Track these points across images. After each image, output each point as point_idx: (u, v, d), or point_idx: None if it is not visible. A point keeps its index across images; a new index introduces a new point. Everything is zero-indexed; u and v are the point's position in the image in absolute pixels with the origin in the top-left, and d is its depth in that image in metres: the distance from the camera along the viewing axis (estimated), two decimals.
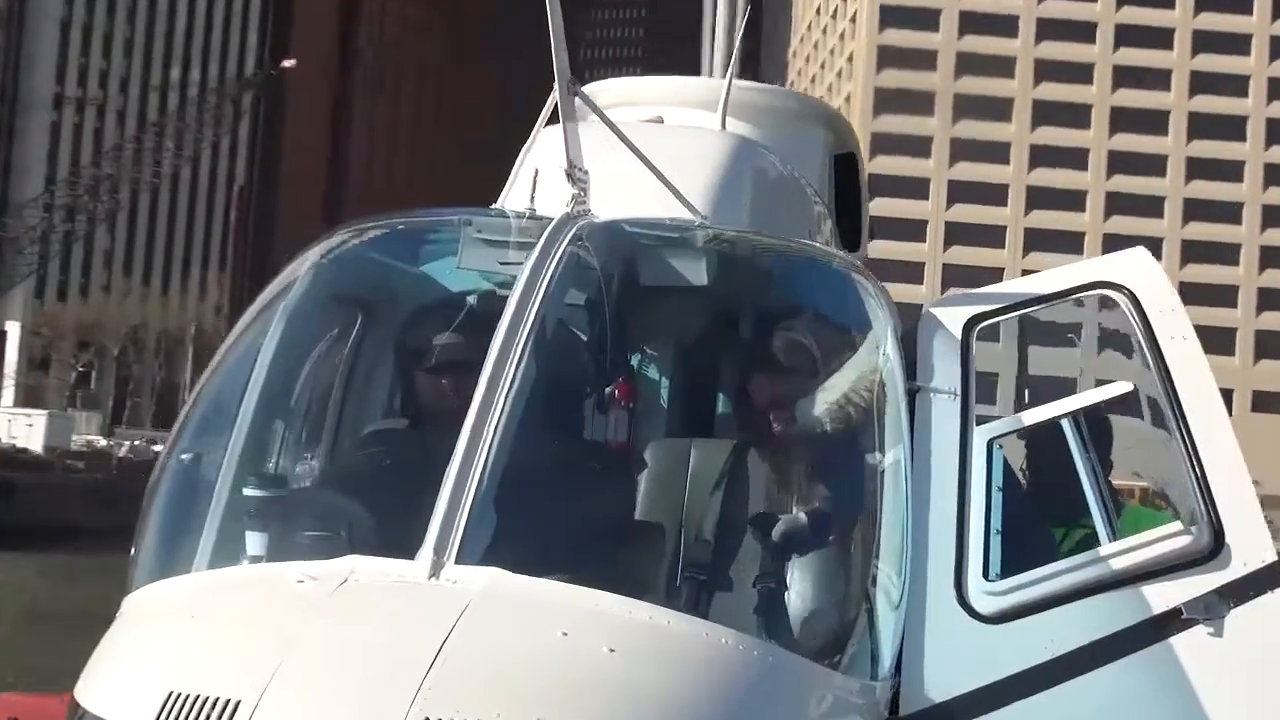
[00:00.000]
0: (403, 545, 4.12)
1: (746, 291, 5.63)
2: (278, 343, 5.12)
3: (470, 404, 4.22)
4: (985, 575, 4.93)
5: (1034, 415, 5.25)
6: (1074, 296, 5.42)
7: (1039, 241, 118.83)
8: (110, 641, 4.29)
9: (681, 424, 5.75)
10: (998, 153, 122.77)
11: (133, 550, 4.80)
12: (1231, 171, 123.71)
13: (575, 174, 4.83)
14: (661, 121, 7.09)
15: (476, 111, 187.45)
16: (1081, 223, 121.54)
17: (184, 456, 5.03)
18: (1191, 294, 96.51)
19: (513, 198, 5.94)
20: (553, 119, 5.51)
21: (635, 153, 5.30)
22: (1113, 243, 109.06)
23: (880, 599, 4.61)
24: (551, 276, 4.56)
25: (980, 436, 5.13)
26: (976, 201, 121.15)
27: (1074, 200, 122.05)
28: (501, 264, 5.14)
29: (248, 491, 4.86)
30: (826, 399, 5.16)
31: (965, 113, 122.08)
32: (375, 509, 4.67)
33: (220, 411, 5.05)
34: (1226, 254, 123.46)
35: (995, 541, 4.98)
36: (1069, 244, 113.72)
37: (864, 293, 5.19)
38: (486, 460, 4.11)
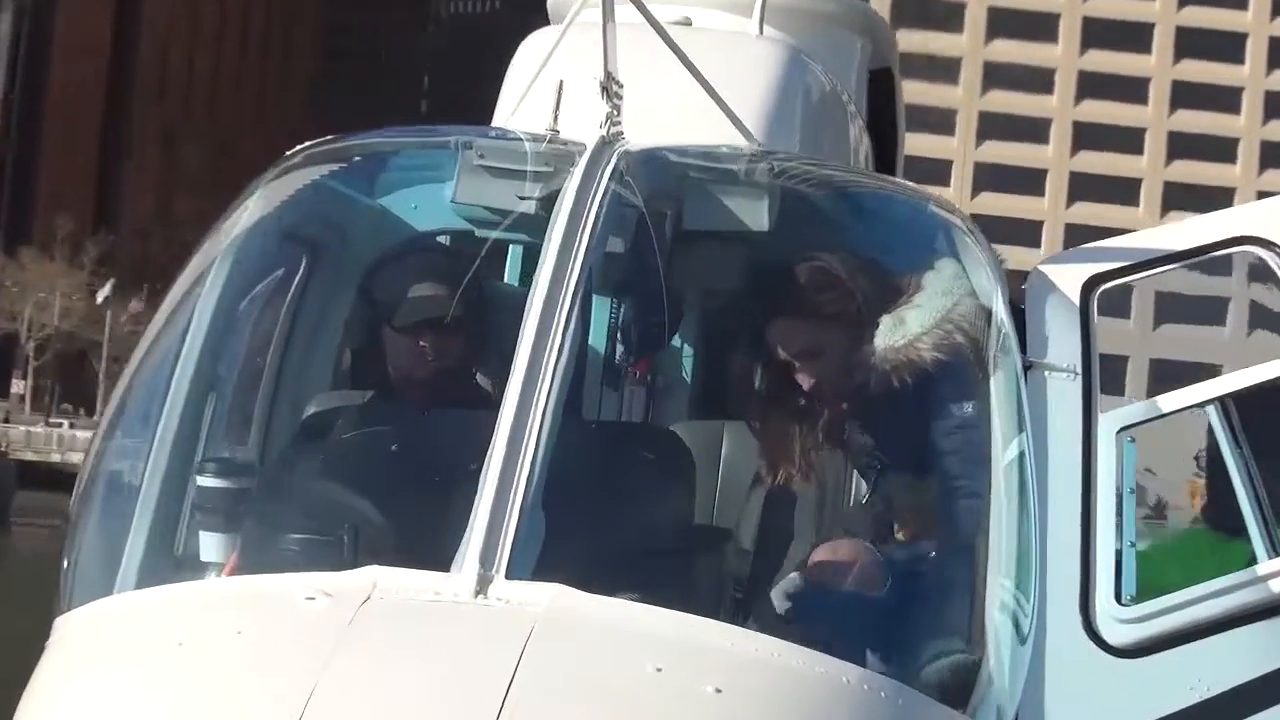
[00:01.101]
0: (428, 552, 3.77)
1: (819, 241, 5.18)
2: (218, 301, 4.71)
3: (509, 380, 3.87)
4: (1117, 598, 4.67)
5: (1174, 400, 4.92)
6: (1211, 254, 5.11)
7: (1083, 188, 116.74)
8: (56, 678, 3.87)
9: (742, 406, 5.25)
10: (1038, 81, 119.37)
11: (64, 560, 4.36)
12: None
13: (612, 88, 4.37)
14: (690, 24, 6.54)
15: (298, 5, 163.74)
16: (1139, 167, 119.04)
17: (126, 442, 4.63)
18: None
19: (514, 116, 5.50)
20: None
21: (684, 62, 4.86)
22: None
23: (1007, 627, 4.23)
24: (597, 219, 4.15)
25: (1107, 426, 4.82)
26: (1012, 138, 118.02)
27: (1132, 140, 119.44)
28: (520, 198, 4.69)
29: (204, 482, 4.50)
30: (929, 379, 4.71)
31: (1000, 31, 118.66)
32: (381, 504, 4.31)
33: (158, 391, 4.64)
34: None
35: (1129, 556, 4.71)
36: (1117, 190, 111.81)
37: (968, 246, 4.76)
38: (536, 449, 3.75)
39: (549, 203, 4.41)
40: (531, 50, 6.05)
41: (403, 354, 5.01)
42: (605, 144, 4.34)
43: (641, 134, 4.53)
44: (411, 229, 5.38)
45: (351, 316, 5.35)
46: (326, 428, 4.92)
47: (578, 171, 4.21)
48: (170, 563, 4.46)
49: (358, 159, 5.25)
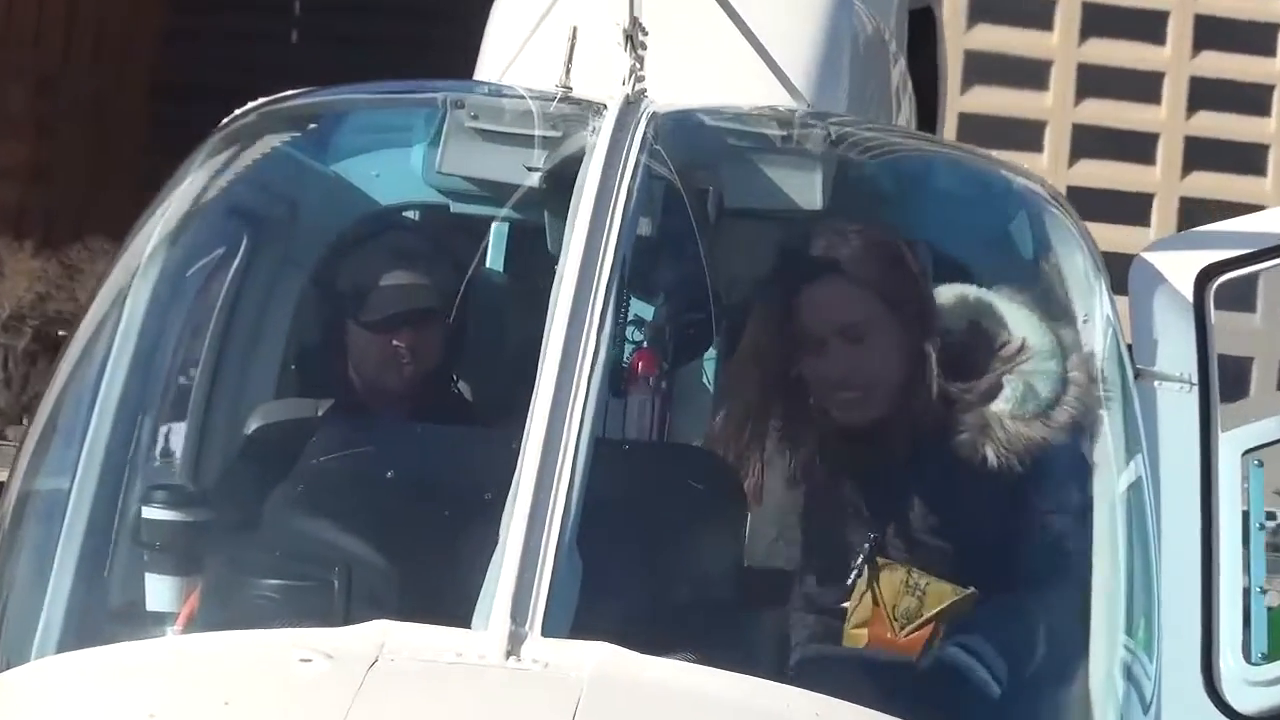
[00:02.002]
0: (439, 603, 3.45)
1: (886, 222, 4.80)
2: (151, 294, 4.36)
3: (536, 395, 3.52)
4: (1245, 656, 4.38)
5: None
6: None
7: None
8: None
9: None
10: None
11: None
12: None
13: (637, 36, 4.05)
14: None
15: None
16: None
17: (52, 463, 4.30)
18: None
19: (507, 70, 5.14)
20: None
21: (723, 4, 4.53)
22: None
23: (1131, 697, 3.95)
24: (629, 197, 3.79)
25: (1230, 446, 4.53)
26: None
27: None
28: (527, 168, 4.35)
29: (151, 514, 4.12)
30: (1030, 387, 4.26)
31: None
32: (377, 542, 3.93)
33: (84, 402, 4.29)
34: None
35: (1259, 604, 4.45)
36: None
37: (1065, 231, 4.43)
38: (571, 479, 3.43)
39: (561, 175, 4.09)
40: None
41: (372, 355, 4.70)
42: (630, 104, 3.98)
43: (663, 91, 4.19)
44: (373, 202, 5.08)
45: (301, 309, 5.02)
46: (278, 444, 4.54)
47: (603, 136, 3.86)
48: (108, 611, 4.14)
49: (318, 117, 4.95)
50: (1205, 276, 4.67)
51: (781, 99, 4.88)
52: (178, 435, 4.82)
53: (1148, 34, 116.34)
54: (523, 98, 4.40)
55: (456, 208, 5.12)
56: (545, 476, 3.38)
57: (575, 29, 4.38)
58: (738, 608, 3.92)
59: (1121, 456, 4.08)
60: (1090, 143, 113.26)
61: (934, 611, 3.97)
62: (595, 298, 3.59)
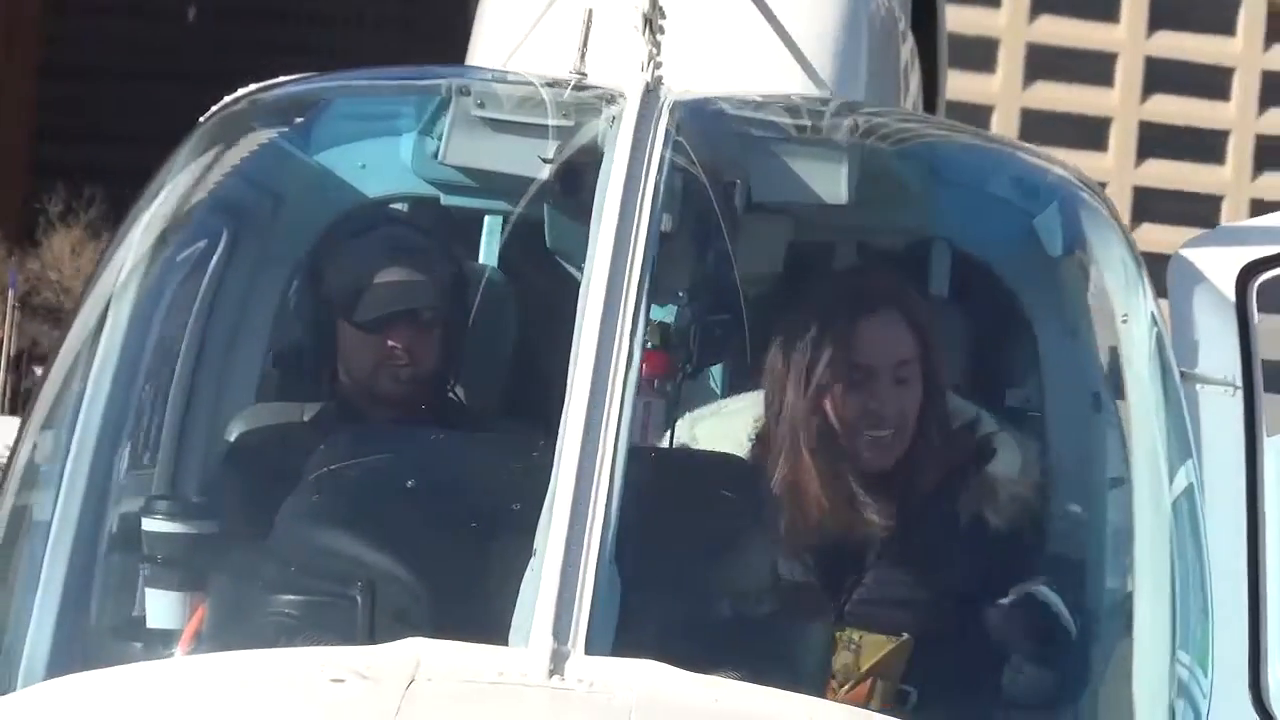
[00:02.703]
0: (472, 619, 3.43)
1: (917, 218, 4.93)
2: (137, 293, 4.31)
3: (569, 402, 3.50)
4: None
5: None
6: None
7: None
8: None
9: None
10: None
11: None
12: None
13: (656, 21, 3.99)
14: None
15: None
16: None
17: (41, 472, 4.26)
18: None
19: (510, 57, 5.06)
20: None
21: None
22: None
23: (1187, 712, 3.95)
24: (656, 190, 3.77)
25: (1276, 452, 4.59)
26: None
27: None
28: (542, 159, 4.28)
29: (152, 526, 4.12)
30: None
31: None
32: (401, 555, 3.86)
33: (70, 407, 4.23)
34: None
35: None
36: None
37: (1104, 224, 4.45)
38: (610, 490, 3.40)
39: (571, 167, 4.09)
40: None
41: (365, 357, 4.66)
42: (649, 92, 3.95)
43: (676, 78, 4.14)
44: (359, 194, 5.06)
45: (284, 309, 4.98)
46: (266, 451, 4.56)
47: (625, 128, 3.82)
48: (108, 629, 4.12)
49: (307, 105, 4.91)
50: (1248, 274, 4.66)
51: (800, 85, 4.91)
52: (160, 441, 4.79)
53: (1100, 13, 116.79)
54: (532, 85, 4.36)
55: (448, 200, 5.12)
56: (583, 487, 3.35)
57: (590, 11, 4.35)
58: (778, 621, 3.91)
59: (1173, 462, 4.10)
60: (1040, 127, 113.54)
61: (870, 664, 4.13)
62: (626, 300, 3.58)
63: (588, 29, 4.28)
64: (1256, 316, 4.65)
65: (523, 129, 4.36)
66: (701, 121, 4.10)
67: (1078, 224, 4.51)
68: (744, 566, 3.93)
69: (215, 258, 4.83)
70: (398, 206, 5.11)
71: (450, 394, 4.89)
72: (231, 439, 4.79)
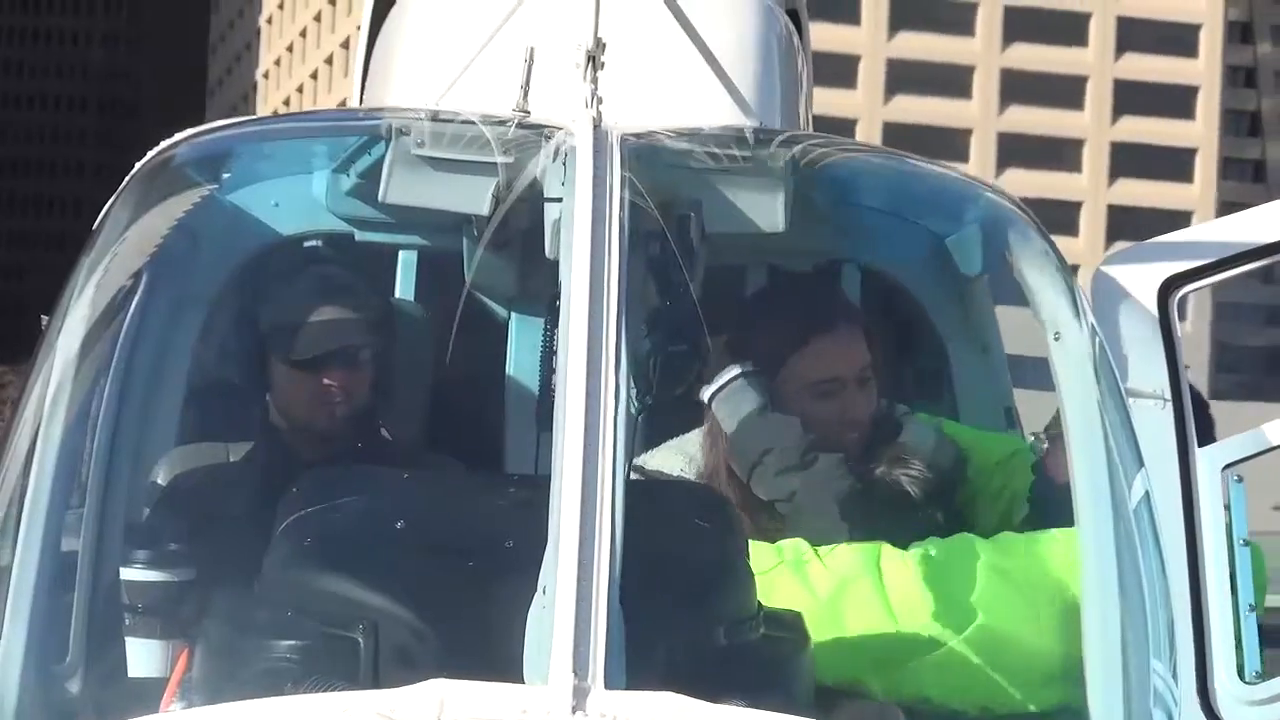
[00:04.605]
0: (480, 658, 3.40)
1: (854, 243, 5.02)
2: (84, 338, 4.23)
3: (562, 439, 3.46)
4: (1240, 675, 4.39)
5: None
6: None
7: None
8: None
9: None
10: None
11: None
12: None
13: (598, 58, 3.93)
14: None
15: None
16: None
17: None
18: None
19: (449, 93, 5.01)
20: None
21: (679, 20, 4.45)
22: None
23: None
24: (622, 227, 3.74)
25: (1209, 462, 4.54)
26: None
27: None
28: (494, 198, 4.29)
29: (132, 575, 4.12)
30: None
31: None
32: (400, 597, 3.80)
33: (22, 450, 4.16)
34: None
35: (1250, 623, 4.43)
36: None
37: (1036, 244, 4.45)
38: (614, 524, 3.38)
39: (520, 203, 4.10)
40: (424, 13, 5.63)
41: (301, 395, 4.66)
42: (599, 125, 3.91)
43: (610, 112, 4.07)
44: (272, 232, 5.06)
45: (204, 347, 4.97)
46: (202, 493, 4.54)
47: (583, 165, 3.79)
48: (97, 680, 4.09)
49: (230, 149, 4.85)
50: (1168, 288, 4.69)
51: (728, 111, 4.89)
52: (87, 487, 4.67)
53: (959, 29, 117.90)
54: (473, 123, 4.31)
55: (361, 237, 5.12)
56: (587, 522, 3.34)
57: (532, 50, 4.34)
58: (767, 646, 3.92)
59: (1128, 470, 4.12)
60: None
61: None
62: (607, 335, 3.56)
63: (530, 65, 4.27)
64: (1179, 329, 4.70)
65: (466, 167, 4.34)
66: (646, 156, 4.10)
67: (1011, 242, 4.50)
68: (732, 594, 3.94)
69: (135, 300, 4.70)
70: (312, 243, 5.09)
71: (381, 430, 4.87)
72: (163, 482, 4.74)
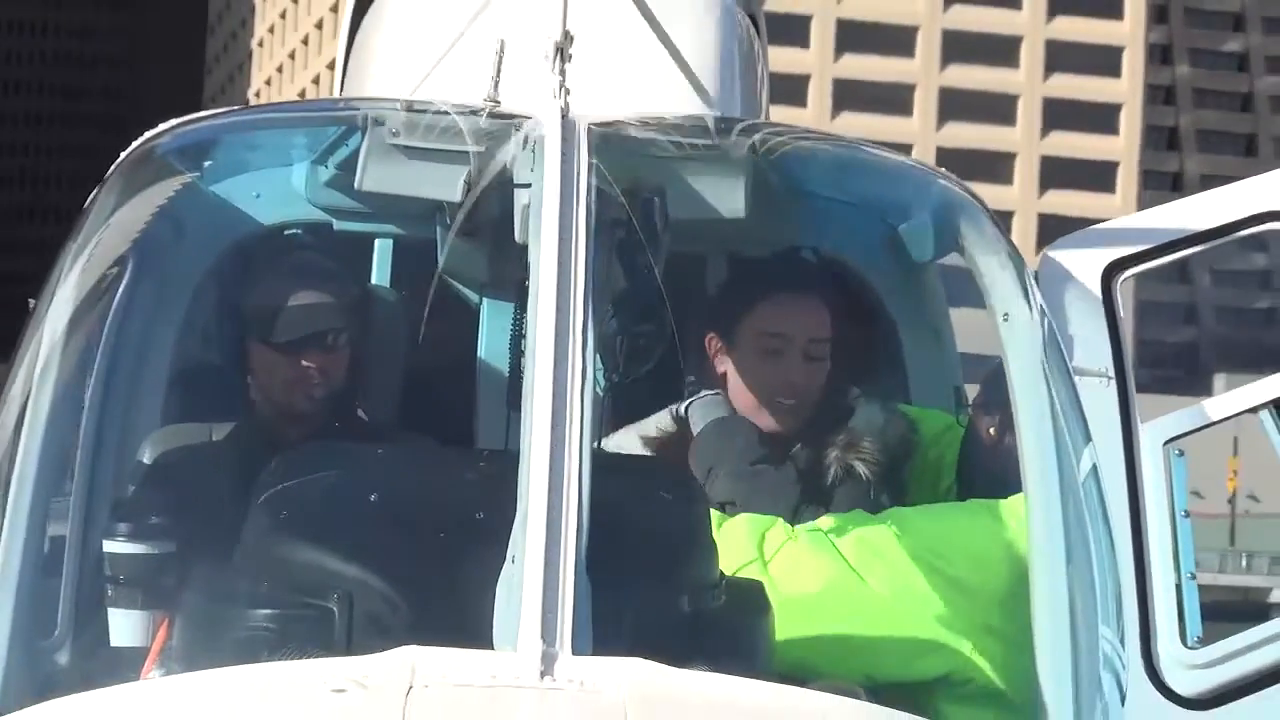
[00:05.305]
0: (452, 625, 3.28)
1: (811, 228, 4.90)
2: (69, 325, 4.09)
3: (531, 415, 3.35)
4: (1183, 640, 4.29)
5: (1224, 405, 4.55)
6: (1242, 232, 4.75)
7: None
8: None
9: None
10: None
11: None
12: None
13: (567, 50, 3.82)
14: None
15: None
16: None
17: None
18: None
19: (424, 85, 4.89)
20: None
21: (643, 12, 4.34)
22: None
23: (1115, 692, 3.85)
24: (589, 212, 3.62)
25: (1151, 437, 4.45)
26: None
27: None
28: (466, 184, 4.16)
29: (114, 547, 3.97)
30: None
31: None
32: (371, 566, 3.67)
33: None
34: None
35: (1191, 591, 4.34)
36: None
37: (986, 226, 4.35)
38: (580, 494, 3.28)
39: (491, 190, 3.97)
40: (401, 6, 5.51)
41: (281, 377, 4.54)
42: (567, 115, 3.78)
43: (577, 102, 3.94)
44: (254, 222, 4.95)
45: (188, 332, 4.86)
46: (188, 471, 4.42)
47: (552, 153, 3.66)
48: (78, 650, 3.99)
49: (213, 140, 4.73)
50: (1111, 271, 4.61)
51: (690, 103, 4.77)
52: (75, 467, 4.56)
53: (901, 50, 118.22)
54: (446, 113, 4.18)
55: (340, 226, 5.00)
56: (555, 493, 3.23)
57: (503, 42, 4.20)
58: (729, 614, 3.81)
59: (1077, 445, 4.01)
60: None
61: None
62: (575, 313, 3.44)
63: (500, 57, 4.14)
64: (1122, 311, 4.60)
65: (439, 155, 4.24)
66: (612, 143, 3.98)
67: (963, 226, 4.39)
68: (695, 564, 3.83)
69: (121, 288, 4.58)
70: (292, 232, 4.99)
71: (358, 411, 4.76)
72: (149, 460, 4.63)
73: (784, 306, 4.52)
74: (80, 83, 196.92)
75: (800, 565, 4.13)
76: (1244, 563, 71.07)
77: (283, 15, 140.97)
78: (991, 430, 4.56)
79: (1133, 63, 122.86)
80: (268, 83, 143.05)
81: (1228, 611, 24.64)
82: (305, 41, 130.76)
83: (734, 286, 4.71)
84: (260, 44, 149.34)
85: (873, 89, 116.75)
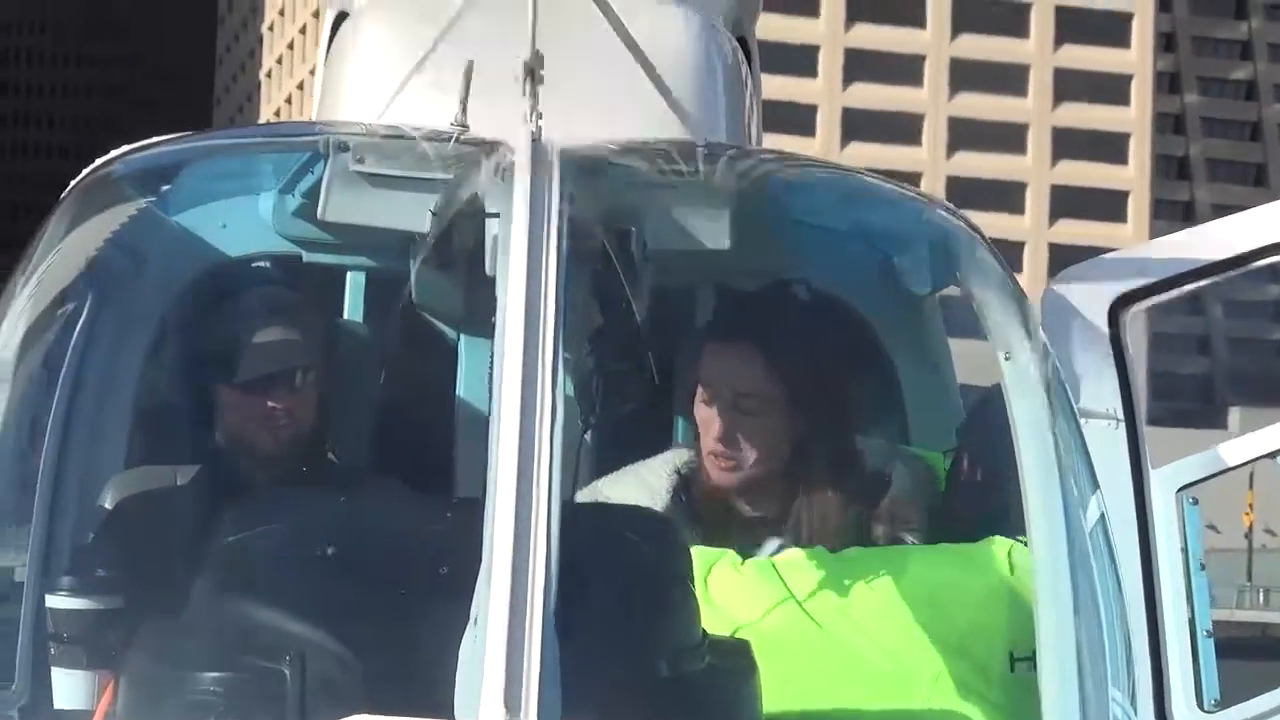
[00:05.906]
0: (408, 690, 3.15)
1: (802, 261, 4.72)
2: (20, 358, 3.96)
3: (496, 467, 3.11)
4: (1199, 702, 4.08)
5: (1239, 450, 4.33)
6: (1255, 263, 4.53)
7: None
8: None
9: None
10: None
11: None
12: None
13: (537, 71, 3.62)
14: None
15: None
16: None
17: None
18: None
19: (389, 111, 4.69)
20: None
21: (622, 37, 4.11)
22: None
23: None
24: (560, 242, 3.39)
25: (1163, 483, 4.24)
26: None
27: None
28: (432, 214, 3.96)
29: (57, 602, 3.80)
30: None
31: None
32: (325, 626, 3.48)
33: None
34: None
35: (1207, 648, 4.14)
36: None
37: (987, 261, 4.11)
38: (548, 554, 3.05)
39: (460, 221, 3.79)
40: (372, 29, 5.28)
41: (245, 418, 4.37)
42: (538, 140, 3.57)
43: (551, 127, 3.71)
44: (220, 254, 4.78)
45: (151, 370, 4.66)
46: (147, 517, 4.24)
47: (521, 180, 3.44)
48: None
49: (173, 167, 4.49)
50: (1119, 306, 4.40)
51: (672, 128, 4.58)
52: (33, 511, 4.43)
53: (910, 79, 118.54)
54: (412, 138, 3.95)
55: (309, 258, 4.83)
56: (521, 549, 3.00)
57: (471, 63, 4.00)
58: (711, 678, 3.59)
59: (1083, 492, 3.81)
60: None
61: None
62: (544, 354, 3.21)
63: (468, 80, 3.94)
64: (1131, 348, 4.40)
65: (405, 183, 4.04)
66: (587, 170, 3.76)
67: (961, 259, 4.19)
68: (675, 623, 3.62)
69: (80, 322, 4.47)
70: (260, 265, 4.80)
71: (328, 453, 4.59)
72: (110, 506, 4.39)
73: (716, 356, 4.29)
74: (81, 111, 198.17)
75: (743, 593, 3.97)
76: (1261, 598, 70.87)
77: (290, 46, 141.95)
78: (974, 468, 4.36)
79: (1141, 91, 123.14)
80: (276, 114, 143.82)
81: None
82: (313, 73, 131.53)
83: (701, 326, 4.54)
84: (269, 75, 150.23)
85: (881, 118, 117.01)
